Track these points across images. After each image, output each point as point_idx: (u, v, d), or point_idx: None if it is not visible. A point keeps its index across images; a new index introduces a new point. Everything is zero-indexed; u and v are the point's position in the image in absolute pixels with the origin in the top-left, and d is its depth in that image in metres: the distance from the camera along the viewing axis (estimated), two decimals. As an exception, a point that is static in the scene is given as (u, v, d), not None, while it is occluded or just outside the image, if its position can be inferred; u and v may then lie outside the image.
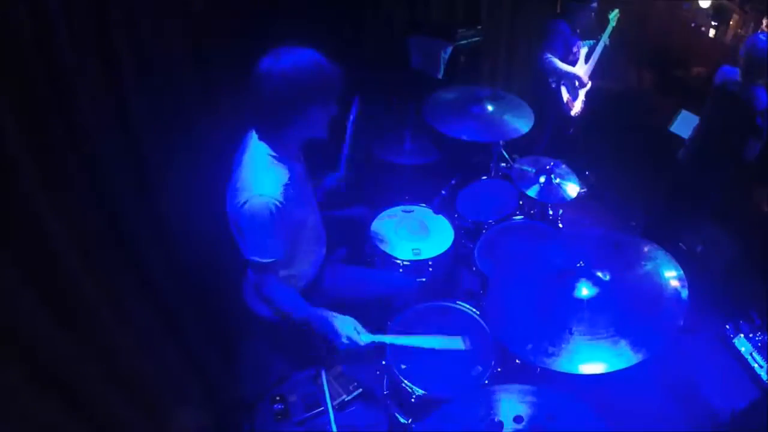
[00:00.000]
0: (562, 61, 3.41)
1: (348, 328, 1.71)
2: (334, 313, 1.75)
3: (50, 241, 1.20)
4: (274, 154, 1.73)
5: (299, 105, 1.63)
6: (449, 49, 3.03)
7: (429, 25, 3.20)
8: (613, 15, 3.36)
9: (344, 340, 1.70)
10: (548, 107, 3.64)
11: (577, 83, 3.51)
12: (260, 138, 1.73)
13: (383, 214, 2.53)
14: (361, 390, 1.87)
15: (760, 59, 2.50)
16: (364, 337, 1.72)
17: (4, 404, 1.08)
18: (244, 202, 1.65)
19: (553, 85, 3.52)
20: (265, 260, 1.70)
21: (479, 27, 3.32)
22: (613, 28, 3.42)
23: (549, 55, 3.34)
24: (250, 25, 2.29)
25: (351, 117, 2.13)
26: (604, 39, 3.47)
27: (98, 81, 1.45)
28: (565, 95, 3.53)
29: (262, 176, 1.68)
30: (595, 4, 3.37)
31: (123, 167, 1.57)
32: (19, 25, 1.14)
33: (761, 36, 2.58)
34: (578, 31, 3.47)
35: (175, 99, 1.83)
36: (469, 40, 3.13)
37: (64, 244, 1.24)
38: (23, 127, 1.13)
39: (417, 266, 2.37)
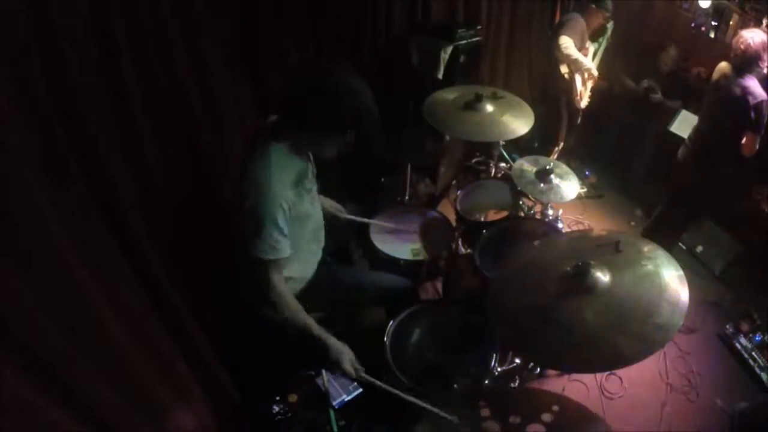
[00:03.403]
0: None
1: (343, 359, 1.75)
2: (334, 340, 1.76)
3: (51, 241, 1.20)
4: (286, 152, 1.74)
5: (330, 125, 1.69)
6: (449, 49, 3.03)
7: (429, 25, 3.19)
8: (610, 24, 3.69)
9: (337, 370, 1.74)
10: (562, 98, 3.70)
11: (587, 75, 3.57)
12: (277, 131, 1.74)
13: (383, 214, 2.53)
14: (361, 390, 1.87)
15: (748, 53, 2.52)
16: (357, 374, 1.75)
17: (4, 404, 1.08)
18: (256, 201, 1.64)
19: (567, 76, 3.56)
20: (274, 257, 1.67)
21: (479, 27, 3.32)
22: (612, 32, 3.72)
23: (568, 40, 3.38)
24: (251, 24, 2.29)
25: None
26: (606, 39, 3.67)
27: (99, 79, 1.45)
28: (579, 86, 3.59)
29: (274, 174, 1.67)
30: (610, 8, 3.54)
31: (125, 165, 1.57)
32: (20, 23, 1.15)
33: (749, 30, 2.62)
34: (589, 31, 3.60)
35: (174, 91, 1.83)
36: (469, 40, 3.13)
37: (65, 245, 1.24)
38: (22, 126, 1.13)
39: (416, 266, 2.37)
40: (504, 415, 1.44)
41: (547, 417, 1.45)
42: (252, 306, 1.91)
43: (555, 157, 3.80)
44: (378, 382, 1.76)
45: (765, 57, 2.54)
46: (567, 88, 3.64)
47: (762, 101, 2.50)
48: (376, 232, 2.42)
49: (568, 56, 3.42)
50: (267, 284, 1.70)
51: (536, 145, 3.89)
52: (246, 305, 1.93)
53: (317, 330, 1.76)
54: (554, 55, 3.53)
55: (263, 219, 1.63)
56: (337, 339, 1.78)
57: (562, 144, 3.92)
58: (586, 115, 3.84)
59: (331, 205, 2.25)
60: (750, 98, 2.51)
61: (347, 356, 1.76)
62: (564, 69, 3.56)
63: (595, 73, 3.57)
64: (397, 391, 1.73)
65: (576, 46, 3.44)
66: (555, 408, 1.47)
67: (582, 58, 3.47)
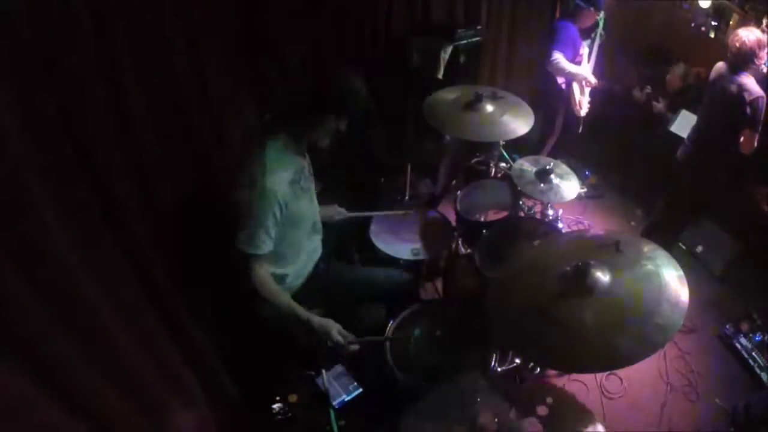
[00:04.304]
0: (570, 62, 3.44)
1: (331, 330, 1.80)
2: (318, 318, 1.82)
3: (51, 241, 1.20)
4: (282, 149, 1.79)
5: (323, 111, 1.79)
6: (449, 49, 3.03)
7: (429, 25, 3.19)
8: (601, 15, 3.56)
9: (330, 344, 1.80)
10: (557, 108, 3.67)
11: (585, 83, 3.54)
12: (271, 128, 1.80)
13: (383, 214, 2.53)
14: (361, 390, 1.87)
15: (743, 50, 2.53)
16: (347, 340, 1.81)
17: (4, 404, 1.08)
18: (250, 196, 1.73)
19: (563, 86, 3.54)
20: (254, 252, 1.76)
21: (479, 27, 3.32)
22: (604, 25, 3.58)
23: (559, 56, 3.36)
24: (251, 24, 2.29)
25: None
26: (599, 36, 3.56)
27: (99, 79, 1.45)
28: (578, 96, 3.56)
29: (269, 171, 1.74)
30: (602, 8, 3.47)
31: (125, 165, 1.57)
32: (20, 23, 1.15)
33: (745, 28, 2.62)
34: (581, 31, 3.53)
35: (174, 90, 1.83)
36: (469, 40, 3.13)
37: (65, 244, 1.24)
38: (22, 126, 1.13)
39: (416, 266, 2.37)
40: (500, 409, 1.44)
41: (542, 410, 1.46)
42: (252, 303, 1.91)
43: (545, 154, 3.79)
44: (370, 338, 1.90)
45: (761, 54, 2.54)
46: (564, 97, 3.61)
47: (757, 97, 2.50)
48: (376, 232, 2.42)
49: (561, 70, 3.41)
50: (248, 272, 1.80)
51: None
52: (246, 304, 1.94)
53: (300, 311, 1.83)
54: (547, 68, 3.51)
55: (253, 214, 1.73)
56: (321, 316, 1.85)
57: (548, 144, 3.93)
58: (587, 117, 3.82)
59: (327, 211, 2.27)
60: (746, 95, 2.51)
61: (334, 328, 1.81)
62: (560, 79, 3.54)
63: (592, 79, 3.53)
64: (387, 337, 1.91)
65: (568, 57, 3.41)
66: (549, 400, 1.48)
67: (576, 69, 3.43)
